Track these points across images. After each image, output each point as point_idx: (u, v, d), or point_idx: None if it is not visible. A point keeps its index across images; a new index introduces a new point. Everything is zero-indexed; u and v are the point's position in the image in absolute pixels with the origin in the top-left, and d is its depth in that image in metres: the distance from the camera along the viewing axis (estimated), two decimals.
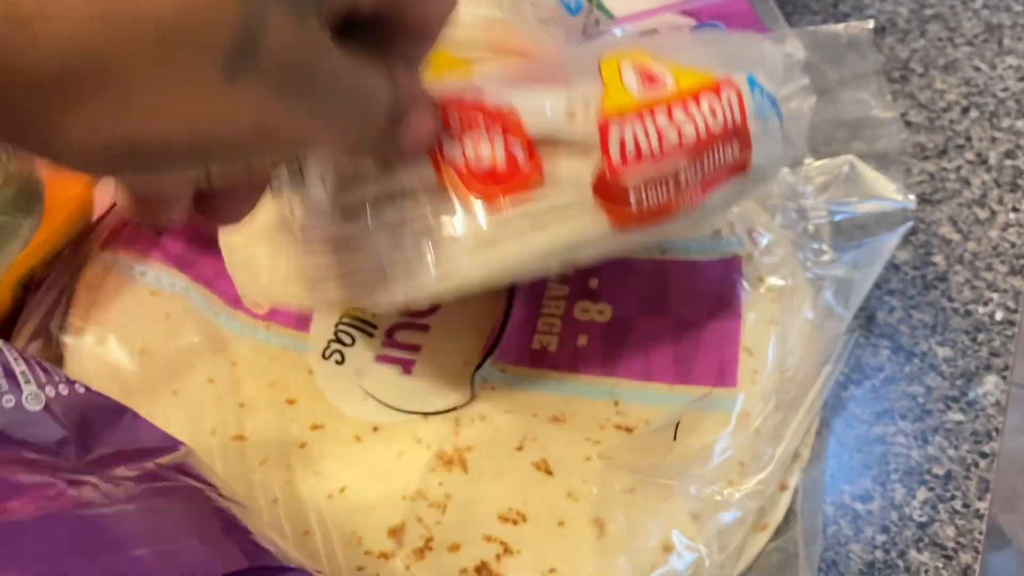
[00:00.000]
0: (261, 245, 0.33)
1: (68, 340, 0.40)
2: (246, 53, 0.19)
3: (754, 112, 0.33)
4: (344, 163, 0.29)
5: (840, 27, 0.42)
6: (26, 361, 0.29)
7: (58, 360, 0.40)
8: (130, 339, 0.40)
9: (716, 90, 0.32)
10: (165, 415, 0.38)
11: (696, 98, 0.31)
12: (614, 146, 0.29)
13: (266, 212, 0.33)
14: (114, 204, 0.45)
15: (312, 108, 0.22)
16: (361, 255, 0.30)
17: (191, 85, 0.19)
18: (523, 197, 0.29)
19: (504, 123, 0.29)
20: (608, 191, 0.29)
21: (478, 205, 0.29)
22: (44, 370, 0.30)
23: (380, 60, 0.24)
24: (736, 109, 0.32)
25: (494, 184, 0.29)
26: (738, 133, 0.32)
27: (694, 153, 0.31)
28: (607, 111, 0.30)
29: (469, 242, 0.29)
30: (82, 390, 0.30)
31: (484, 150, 0.29)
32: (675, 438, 0.36)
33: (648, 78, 0.31)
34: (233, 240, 0.34)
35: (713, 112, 0.31)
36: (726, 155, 0.32)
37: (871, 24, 0.42)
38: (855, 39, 0.42)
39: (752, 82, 0.33)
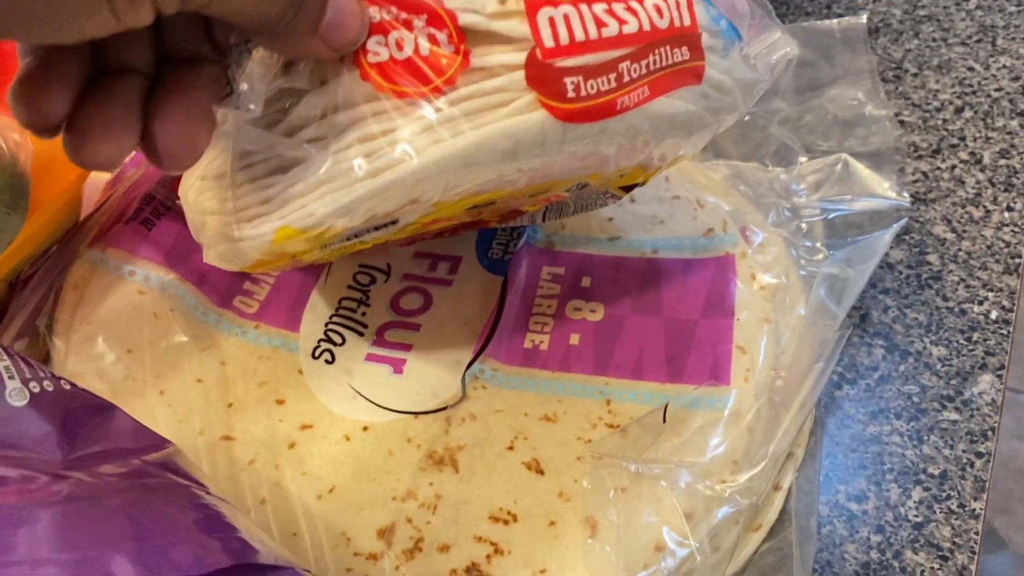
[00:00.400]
0: (208, 192, 0.31)
1: (55, 339, 0.39)
2: None
3: (706, 23, 0.31)
4: (275, 73, 0.28)
5: (834, 23, 0.42)
6: (10, 356, 0.29)
7: (44, 359, 0.39)
8: (117, 338, 0.40)
9: None
10: (153, 415, 0.38)
11: None
12: (544, 27, 0.28)
13: (215, 160, 0.31)
14: (103, 202, 0.44)
15: None
16: (296, 171, 0.28)
17: None
18: (452, 89, 0.27)
19: (429, 13, 0.27)
20: (540, 77, 0.28)
21: (406, 102, 0.27)
22: (29, 365, 0.29)
23: None
24: (685, 13, 0.30)
25: (419, 78, 0.27)
26: (687, 39, 0.30)
27: (636, 47, 0.29)
28: None
29: (401, 140, 0.27)
30: (68, 387, 0.30)
31: (407, 43, 0.27)
32: (664, 420, 0.36)
33: None
34: (188, 195, 0.33)
35: (659, 10, 0.29)
36: (675, 57, 0.30)
37: (865, 19, 0.41)
38: (849, 35, 0.42)
39: (708, 1, 0.32)
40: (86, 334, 0.40)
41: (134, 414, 0.32)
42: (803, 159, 0.45)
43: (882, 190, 0.43)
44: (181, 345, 0.40)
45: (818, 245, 0.42)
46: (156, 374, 0.39)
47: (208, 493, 0.27)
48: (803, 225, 0.42)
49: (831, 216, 0.43)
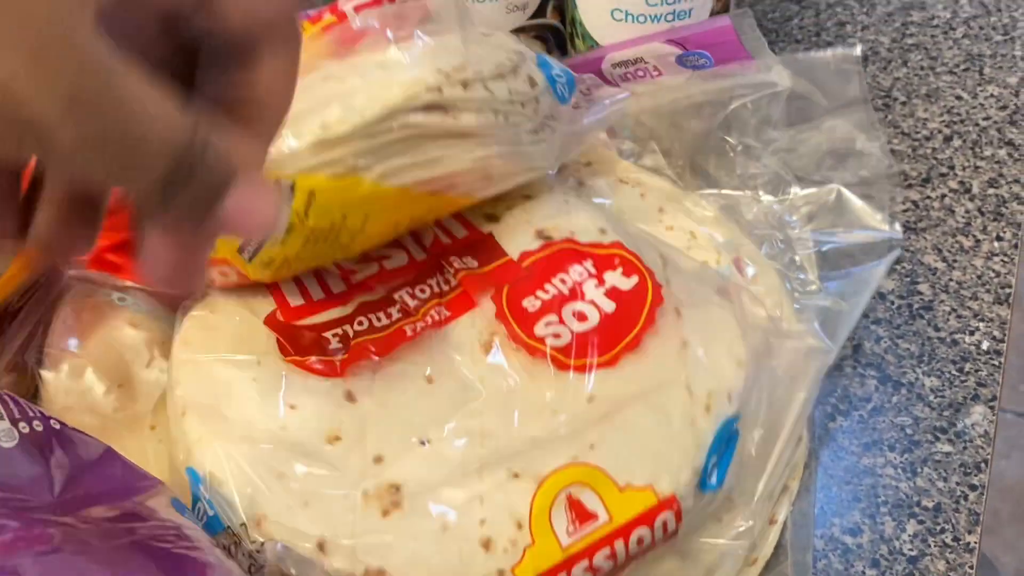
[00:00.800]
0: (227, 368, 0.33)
1: (44, 373, 0.39)
2: None
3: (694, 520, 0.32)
4: None
5: (827, 54, 0.42)
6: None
7: (34, 393, 0.39)
8: (108, 371, 0.39)
9: (652, 517, 0.31)
10: (143, 450, 0.37)
11: (627, 534, 0.30)
12: None
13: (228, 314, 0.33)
14: None
15: (58, 84, 0.18)
16: None
17: None
18: None
19: None
20: None
21: None
22: (18, 404, 0.29)
23: (198, 103, 0.22)
24: (671, 526, 0.31)
25: None
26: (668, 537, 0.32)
27: None
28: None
29: None
30: (58, 426, 0.29)
31: None
32: None
33: (580, 516, 0.30)
34: (197, 356, 0.34)
35: (640, 542, 0.30)
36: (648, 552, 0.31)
37: (858, 51, 0.42)
38: (843, 67, 0.42)
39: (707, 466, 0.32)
40: (75, 367, 0.39)
41: (125, 448, 0.31)
42: (796, 189, 0.45)
43: (874, 222, 0.43)
44: None
45: (811, 277, 0.42)
46: (147, 408, 0.39)
47: (200, 538, 0.27)
48: (796, 258, 0.43)
49: (824, 248, 0.43)
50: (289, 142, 0.31)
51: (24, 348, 0.39)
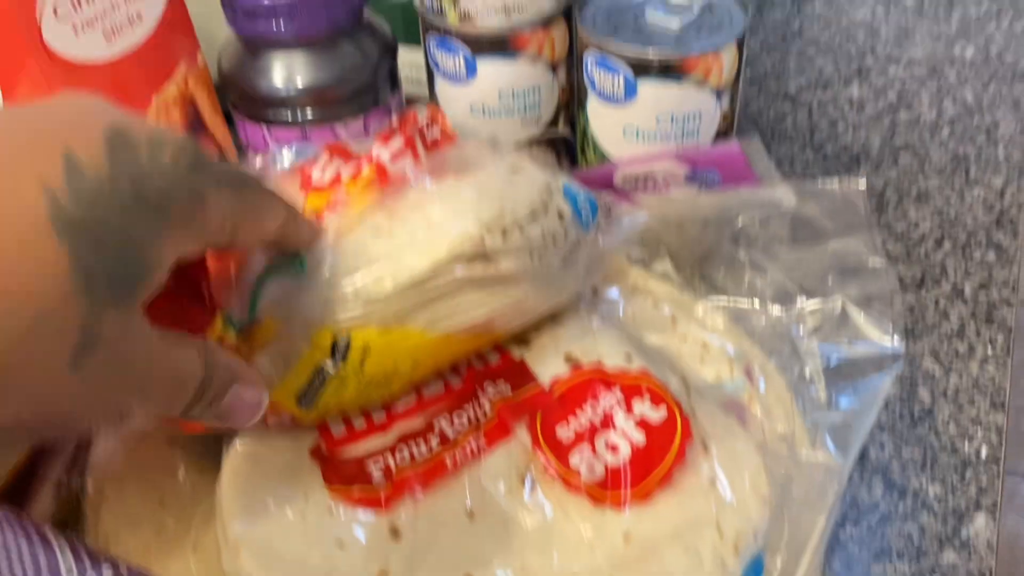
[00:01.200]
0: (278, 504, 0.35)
1: (87, 494, 0.40)
2: (87, 349, 0.24)
3: None
4: None
5: (834, 185, 0.45)
6: (74, 552, 0.29)
7: (77, 514, 0.40)
8: (149, 490, 0.40)
9: None
10: (187, 571, 0.38)
11: None
12: None
13: (274, 447, 0.35)
14: None
15: (129, 384, 0.26)
16: None
17: (44, 378, 0.23)
18: None
19: None
20: None
21: None
22: (90, 554, 0.30)
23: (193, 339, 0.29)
24: None
25: None
26: None
27: None
28: None
29: None
30: (126, 572, 0.31)
31: None
32: None
33: None
34: (247, 491, 0.36)
35: None
36: None
37: (863, 185, 0.44)
38: (848, 197, 0.44)
39: None
40: (117, 488, 0.40)
41: (168, 570, 0.32)
42: (801, 300, 0.47)
43: (878, 336, 0.45)
44: (211, 496, 0.41)
45: (820, 389, 0.44)
46: (188, 527, 0.40)
47: None
48: (806, 371, 0.45)
49: (832, 362, 0.45)
50: (342, 296, 0.33)
51: (68, 469, 0.41)
